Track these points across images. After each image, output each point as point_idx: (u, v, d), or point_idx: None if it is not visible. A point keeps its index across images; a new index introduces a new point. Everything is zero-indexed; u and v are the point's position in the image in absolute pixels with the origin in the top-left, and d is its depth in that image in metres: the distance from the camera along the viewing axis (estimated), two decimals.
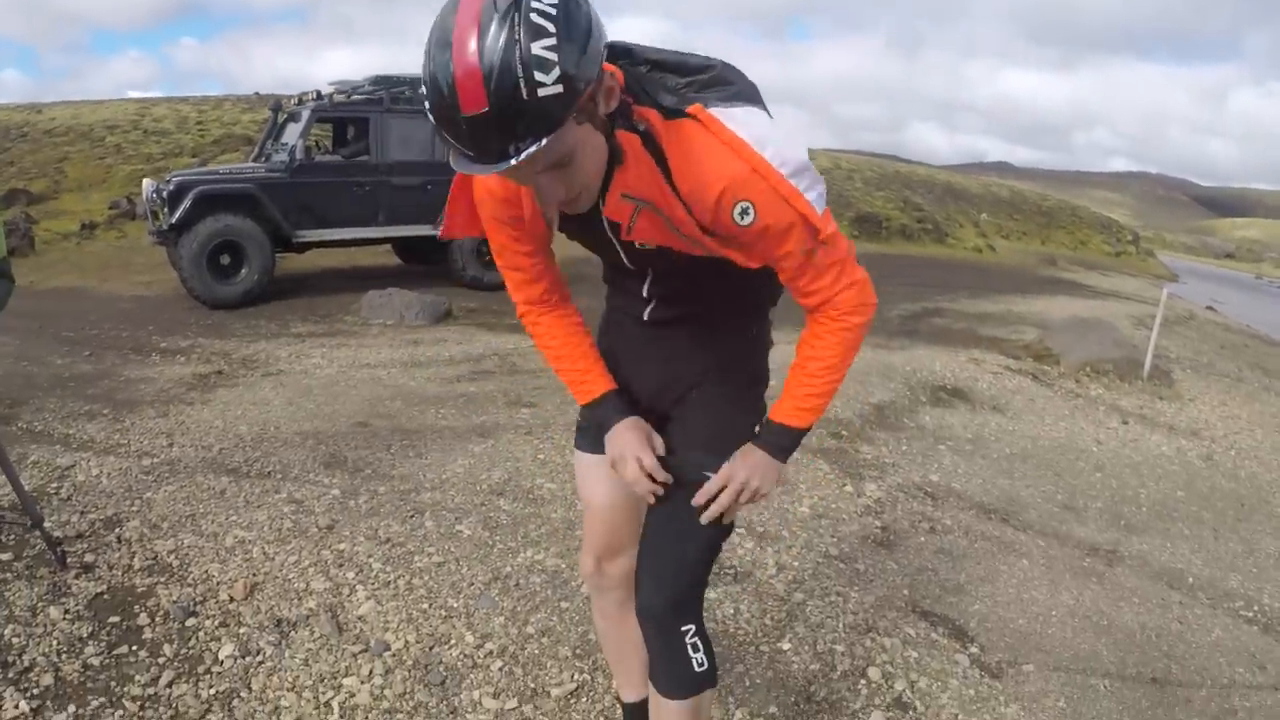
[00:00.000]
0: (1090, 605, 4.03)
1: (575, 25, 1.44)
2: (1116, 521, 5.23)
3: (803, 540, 4.29)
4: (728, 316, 2.05)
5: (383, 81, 11.71)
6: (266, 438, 5.23)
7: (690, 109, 1.68)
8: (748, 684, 3.13)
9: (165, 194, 10.14)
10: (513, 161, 1.46)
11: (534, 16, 1.40)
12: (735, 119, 1.69)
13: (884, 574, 4.07)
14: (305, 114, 11.08)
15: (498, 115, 1.42)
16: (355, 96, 11.64)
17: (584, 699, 2.99)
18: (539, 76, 1.40)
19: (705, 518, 1.96)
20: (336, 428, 5.51)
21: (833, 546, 4.27)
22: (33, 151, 20.97)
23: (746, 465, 1.95)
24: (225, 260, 10.33)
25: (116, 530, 3.85)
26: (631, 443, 2.02)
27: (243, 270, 10.42)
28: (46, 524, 3.55)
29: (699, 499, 1.95)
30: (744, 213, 1.66)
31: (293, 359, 7.67)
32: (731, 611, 3.57)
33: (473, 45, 1.39)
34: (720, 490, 1.94)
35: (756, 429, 2.03)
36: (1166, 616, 4.04)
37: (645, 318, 2.06)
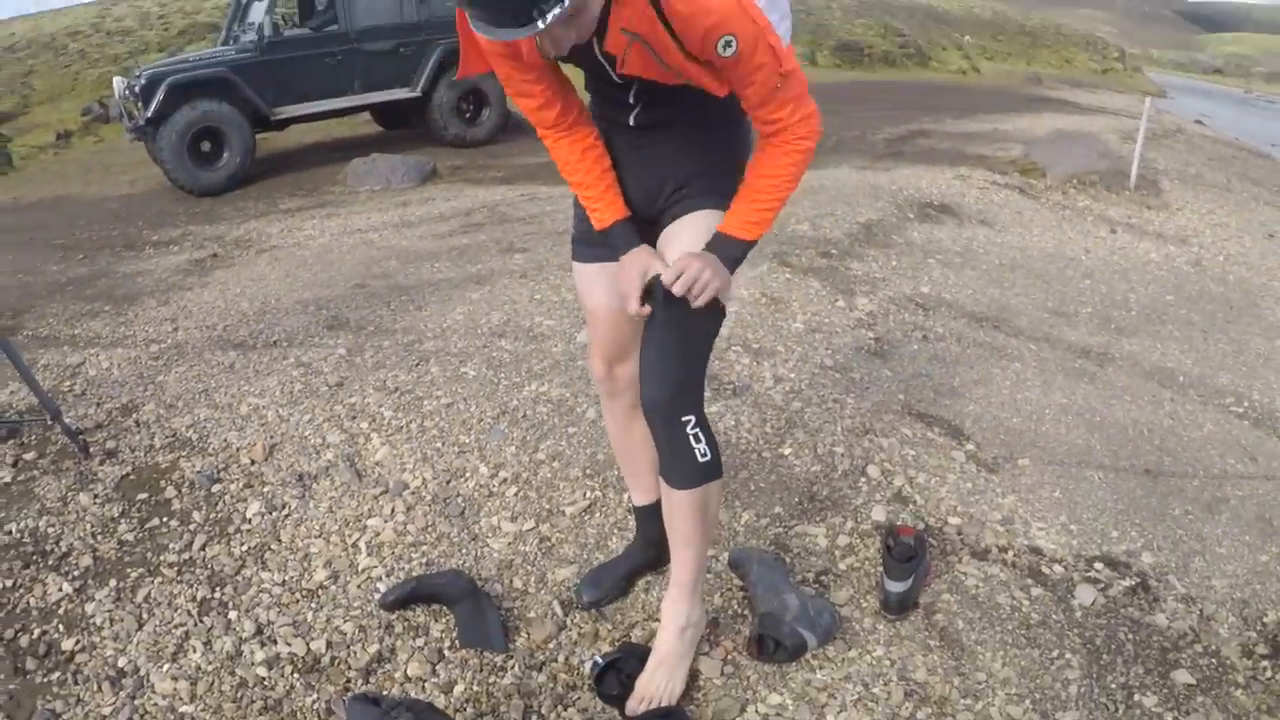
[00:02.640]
0: (1083, 403, 4.08)
1: None
2: (1107, 325, 5.26)
3: (798, 353, 4.34)
4: (708, 120, 2.14)
5: None
6: (269, 310, 5.27)
7: None
8: (752, 488, 3.23)
9: (138, 89, 9.92)
10: (540, 26, 1.62)
11: None
12: None
13: (879, 381, 4.12)
14: None
15: None
16: None
17: (597, 514, 3.10)
18: None
19: (676, 289, 2.03)
20: (335, 292, 5.53)
21: (828, 358, 4.32)
22: None
23: (700, 258, 2.03)
24: (206, 147, 10.16)
25: (134, 415, 3.90)
26: (626, 279, 2.13)
27: (224, 155, 10.27)
28: (66, 419, 3.59)
29: (666, 278, 2.04)
30: (727, 45, 1.82)
31: (284, 233, 7.64)
32: (733, 423, 3.64)
33: None
34: (677, 277, 2.03)
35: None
36: (1158, 413, 4.10)
37: (631, 123, 2.14)
